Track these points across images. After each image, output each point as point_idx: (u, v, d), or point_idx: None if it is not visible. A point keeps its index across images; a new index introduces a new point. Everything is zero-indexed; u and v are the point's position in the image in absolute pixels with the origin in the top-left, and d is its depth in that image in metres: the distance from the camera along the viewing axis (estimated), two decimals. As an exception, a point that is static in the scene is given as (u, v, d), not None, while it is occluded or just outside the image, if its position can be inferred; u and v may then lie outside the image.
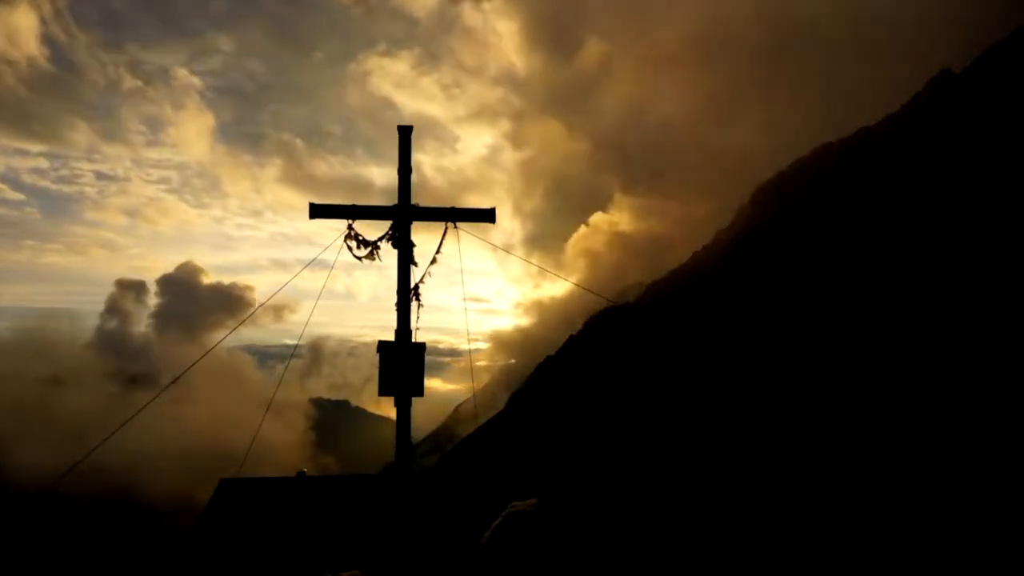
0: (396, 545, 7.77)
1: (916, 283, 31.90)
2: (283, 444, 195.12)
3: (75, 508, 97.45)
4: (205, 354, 9.80)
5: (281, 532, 11.09)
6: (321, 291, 8.38)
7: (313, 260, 8.24)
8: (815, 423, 25.09)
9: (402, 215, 7.62)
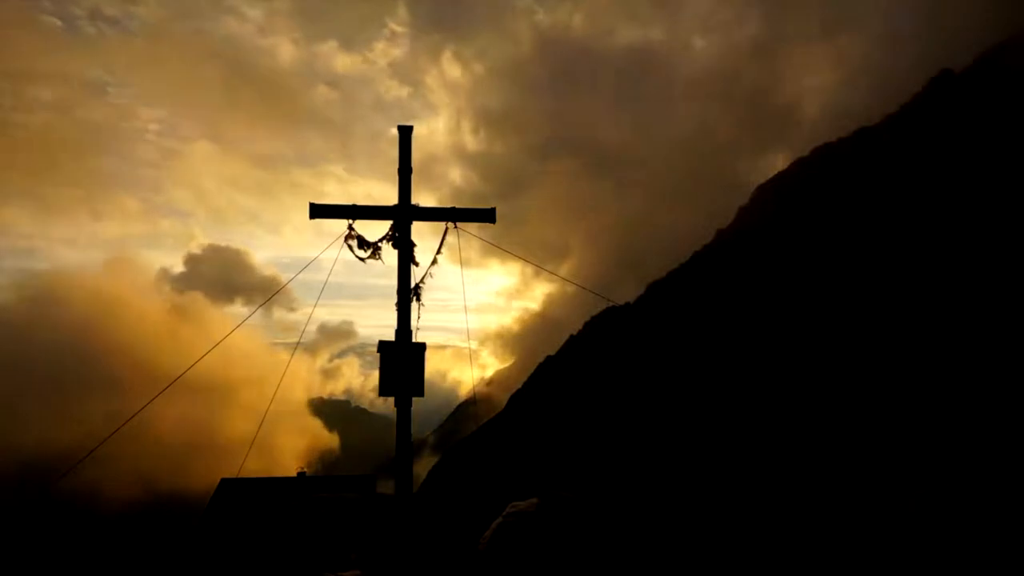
0: (396, 545, 7.77)
1: (916, 282, 31.90)
2: (283, 443, 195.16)
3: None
4: (204, 355, 9.77)
5: (281, 532, 11.08)
6: (322, 290, 8.38)
7: (313, 260, 8.23)
8: (814, 422, 25.09)
9: (402, 215, 7.61)
